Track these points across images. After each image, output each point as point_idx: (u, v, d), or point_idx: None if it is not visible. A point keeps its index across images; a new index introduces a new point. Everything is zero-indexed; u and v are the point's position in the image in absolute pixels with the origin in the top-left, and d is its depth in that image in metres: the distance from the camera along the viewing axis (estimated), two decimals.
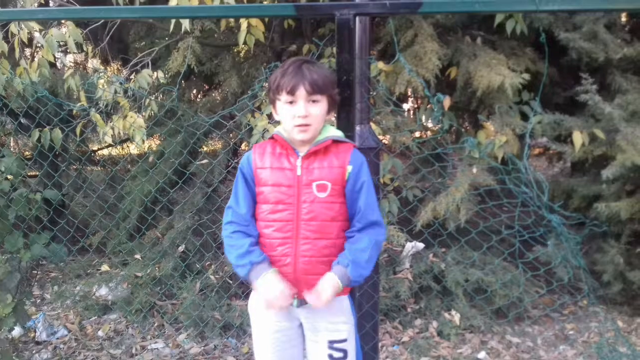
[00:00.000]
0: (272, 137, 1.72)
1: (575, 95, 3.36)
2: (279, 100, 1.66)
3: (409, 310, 3.48)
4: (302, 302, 1.67)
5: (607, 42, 3.47)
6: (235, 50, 4.20)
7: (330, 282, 1.60)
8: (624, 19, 4.22)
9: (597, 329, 3.36)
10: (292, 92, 1.60)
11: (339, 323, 1.73)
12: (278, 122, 3.30)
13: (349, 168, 1.66)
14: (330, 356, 1.72)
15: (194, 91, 4.82)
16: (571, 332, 3.40)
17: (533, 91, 3.38)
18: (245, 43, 3.07)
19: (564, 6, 2.29)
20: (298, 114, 1.61)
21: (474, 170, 3.33)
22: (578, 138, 3.23)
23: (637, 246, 3.36)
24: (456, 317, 3.33)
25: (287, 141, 1.67)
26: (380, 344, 3.11)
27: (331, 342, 1.72)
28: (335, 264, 1.63)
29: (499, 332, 3.35)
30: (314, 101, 1.63)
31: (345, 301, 1.76)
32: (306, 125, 1.61)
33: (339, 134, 1.72)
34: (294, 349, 1.78)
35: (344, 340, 1.73)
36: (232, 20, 3.31)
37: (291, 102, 1.62)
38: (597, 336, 3.26)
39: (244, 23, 3.01)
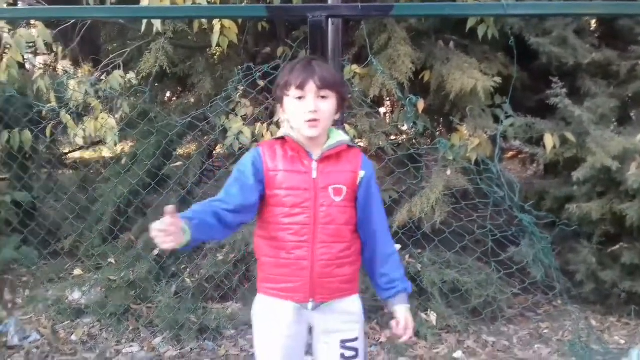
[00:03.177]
0: (280, 138, 1.68)
1: (546, 98, 3.42)
2: (287, 97, 1.63)
3: (386, 311, 3.48)
4: (317, 305, 1.66)
5: (576, 47, 3.53)
6: (210, 52, 4.18)
7: (408, 313, 1.72)
8: (593, 25, 4.31)
9: (571, 327, 3.41)
10: (301, 86, 1.58)
11: (351, 322, 1.73)
12: (251, 124, 3.31)
13: (361, 173, 1.68)
14: (342, 355, 1.71)
15: (168, 93, 4.78)
16: (546, 331, 3.45)
17: (505, 95, 3.43)
18: (218, 45, 3.05)
19: (530, 11, 2.35)
20: (308, 109, 1.58)
21: (448, 172, 3.36)
22: (549, 140, 3.28)
23: (608, 246, 3.42)
24: (433, 317, 3.34)
25: (299, 143, 1.64)
26: None
27: (343, 341, 1.71)
28: (397, 294, 1.73)
29: (475, 332, 3.38)
30: (323, 97, 1.60)
31: (357, 300, 1.76)
32: (315, 120, 1.59)
33: (347, 138, 1.71)
34: (299, 353, 1.76)
35: (356, 339, 1.73)
36: (204, 21, 3.28)
37: (300, 98, 1.60)
38: (571, 335, 3.31)
39: (217, 25, 2.99)
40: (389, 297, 1.74)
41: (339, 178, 1.65)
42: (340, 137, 1.69)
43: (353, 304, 1.74)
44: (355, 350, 1.72)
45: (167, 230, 1.37)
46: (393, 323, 1.72)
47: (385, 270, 1.74)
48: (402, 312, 1.72)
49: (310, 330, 1.76)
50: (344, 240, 1.66)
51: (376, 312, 3.44)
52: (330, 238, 1.63)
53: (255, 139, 3.31)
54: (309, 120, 1.59)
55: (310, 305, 1.66)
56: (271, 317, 1.71)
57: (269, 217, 1.65)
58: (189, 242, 1.46)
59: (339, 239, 1.65)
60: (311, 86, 1.58)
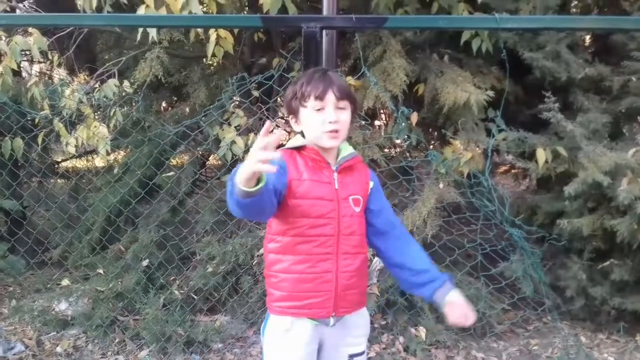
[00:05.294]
0: (296, 148, 1.65)
1: (539, 113, 3.42)
2: (305, 108, 1.60)
3: (375, 325, 3.46)
4: (337, 320, 1.64)
5: (569, 62, 3.55)
6: (205, 62, 4.18)
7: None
8: (587, 40, 4.35)
9: (560, 344, 3.39)
10: (321, 97, 1.57)
11: (360, 336, 1.72)
12: (245, 134, 3.29)
13: (371, 183, 1.69)
14: None
15: (163, 103, 4.77)
16: (535, 348, 3.43)
17: (499, 109, 3.45)
18: (214, 55, 3.06)
19: (523, 25, 2.37)
20: (329, 120, 1.57)
21: (441, 185, 3.36)
22: (541, 155, 3.29)
23: (598, 262, 3.40)
24: (422, 332, 3.32)
25: (321, 154, 1.63)
26: None
27: (351, 355, 1.69)
28: (447, 282, 1.68)
29: (464, 347, 3.36)
30: (341, 108, 1.60)
31: (366, 313, 1.75)
32: (336, 131, 1.58)
33: (354, 150, 1.72)
34: None
35: (362, 353, 1.72)
36: (201, 31, 3.29)
37: (319, 109, 1.58)
38: (561, 352, 3.29)
39: (213, 35, 3.00)
40: (437, 288, 1.68)
41: (356, 189, 1.65)
42: (349, 148, 1.70)
43: (364, 317, 1.74)
44: None
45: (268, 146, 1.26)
46: (449, 310, 1.66)
47: (423, 267, 1.70)
48: (457, 296, 1.67)
49: (319, 347, 1.71)
50: (364, 251, 1.66)
51: None
52: (354, 249, 1.62)
53: (248, 149, 3.30)
54: (330, 131, 1.58)
55: (331, 320, 1.62)
56: (286, 339, 1.63)
57: (290, 230, 1.58)
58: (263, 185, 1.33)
59: (360, 250, 1.65)
60: (330, 97, 1.57)
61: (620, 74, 3.55)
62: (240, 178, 1.29)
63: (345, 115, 1.61)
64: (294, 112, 1.66)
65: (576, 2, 4.25)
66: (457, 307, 1.65)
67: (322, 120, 1.58)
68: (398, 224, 1.76)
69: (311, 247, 1.57)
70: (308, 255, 1.58)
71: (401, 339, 3.36)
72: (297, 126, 1.67)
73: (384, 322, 3.47)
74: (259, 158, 1.24)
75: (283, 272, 1.61)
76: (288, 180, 1.56)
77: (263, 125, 1.37)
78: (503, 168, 4.72)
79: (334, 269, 1.59)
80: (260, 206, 1.39)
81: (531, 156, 3.45)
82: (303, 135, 1.67)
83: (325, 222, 1.58)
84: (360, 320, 1.72)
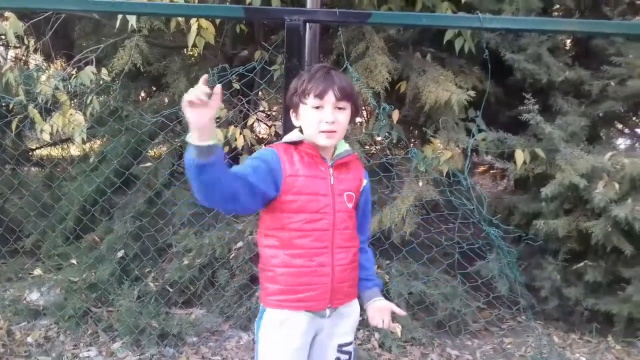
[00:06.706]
0: (293, 142, 1.66)
1: (519, 114, 3.46)
2: (304, 105, 1.62)
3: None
4: (333, 311, 1.68)
5: (550, 64, 3.59)
6: (186, 52, 4.13)
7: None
8: (568, 44, 4.40)
9: (533, 343, 3.43)
10: (320, 96, 1.58)
11: (350, 326, 1.76)
12: (224, 126, 3.25)
13: (364, 181, 1.73)
14: (338, 359, 1.74)
15: (142, 92, 4.69)
16: (509, 346, 3.46)
17: (480, 109, 3.47)
18: (195, 45, 3.01)
19: (506, 25, 2.37)
20: (326, 120, 1.58)
21: (420, 183, 3.37)
22: (520, 156, 3.32)
23: (573, 263, 3.46)
24: (398, 329, 3.33)
25: (317, 149, 1.65)
26: None
27: (340, 345, 1.73)
28: (374, 287, 1.78)
29: (439, 345, 3.38)
30: (340, 108, 1.61)
31: (357, 304, 1.78)
32: (333, 131, 1.60)
33: (349, 147, 1.74)
34: None
35: (350, 343, 1.76)
36: (182, 20, 3.24)
37: (318, 107, 1.59)
38: (534, 351, 3.33)
39: (194, 24, 2.95)
40: (367, 288, 1.79)
41: (350, 185, 1.69)
42: (345, 145, 1.72)
43: (355, 308, 1.77)
44: (349, 353, 1.76)
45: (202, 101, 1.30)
46: (377, 318, 1.74)
47: (366, 264, 1.79)
48: (383, 303, 1.76)
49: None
50: (356, 245, 1.71)
51: None
52: (347, 243, 1.66)
53: (228, 141, 3.27)
54: (326, 131, 1.59)
55: (327, 312, 1.67)
56: (282, 331, 1.66)
57: (288, 225, 1.61)
58: (214, 151, 1.36)
59: (353, 244, 1.69)
60: (330, 97, 1.58)
61: (600, 79, 3.60)
62: (193, 134, 1.34)
63: (344, 116, 1.62)
64: (294, 107, 1.67)
65: (558, 6, 4.29)
66: (377, 311, 1.74)
67: (320, 119, 1.59)
68: (367, 226, 1.84)
69: (308, 242, 1.61)
70: (305, 250, 1.61)
71: (377, 335, 3.37)
72: (297, 121, 1.69)
73: (360, 318, 3.47)
74: (191, 95, 1.30)
75: (280, 266, 1.63)
76: (283, 177, 1.58)
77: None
78: (482, 168, 4.77)
79: (329, 263, 1.63)
80: (217, 180, 1.38)
81: (510, 157, 3.48)
82: (301, 130, 1.67)
83: (320, 216, 1.62)
84: (352, 311, 1.76)
